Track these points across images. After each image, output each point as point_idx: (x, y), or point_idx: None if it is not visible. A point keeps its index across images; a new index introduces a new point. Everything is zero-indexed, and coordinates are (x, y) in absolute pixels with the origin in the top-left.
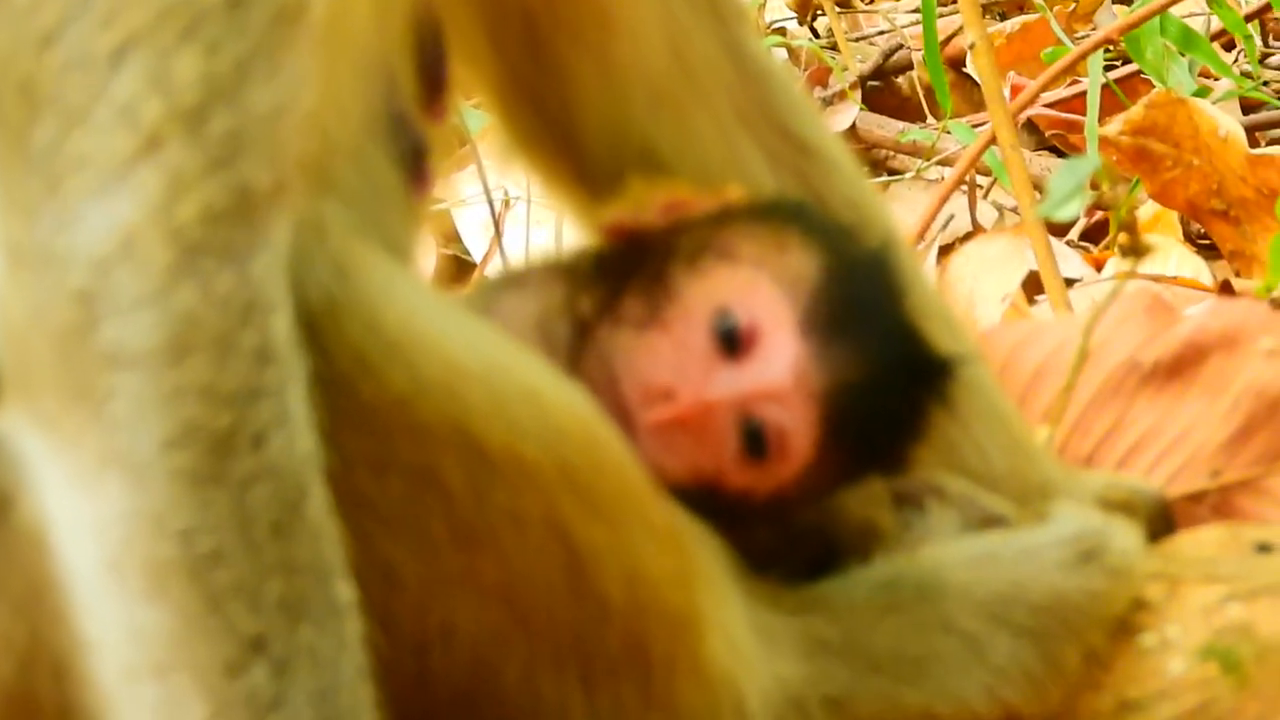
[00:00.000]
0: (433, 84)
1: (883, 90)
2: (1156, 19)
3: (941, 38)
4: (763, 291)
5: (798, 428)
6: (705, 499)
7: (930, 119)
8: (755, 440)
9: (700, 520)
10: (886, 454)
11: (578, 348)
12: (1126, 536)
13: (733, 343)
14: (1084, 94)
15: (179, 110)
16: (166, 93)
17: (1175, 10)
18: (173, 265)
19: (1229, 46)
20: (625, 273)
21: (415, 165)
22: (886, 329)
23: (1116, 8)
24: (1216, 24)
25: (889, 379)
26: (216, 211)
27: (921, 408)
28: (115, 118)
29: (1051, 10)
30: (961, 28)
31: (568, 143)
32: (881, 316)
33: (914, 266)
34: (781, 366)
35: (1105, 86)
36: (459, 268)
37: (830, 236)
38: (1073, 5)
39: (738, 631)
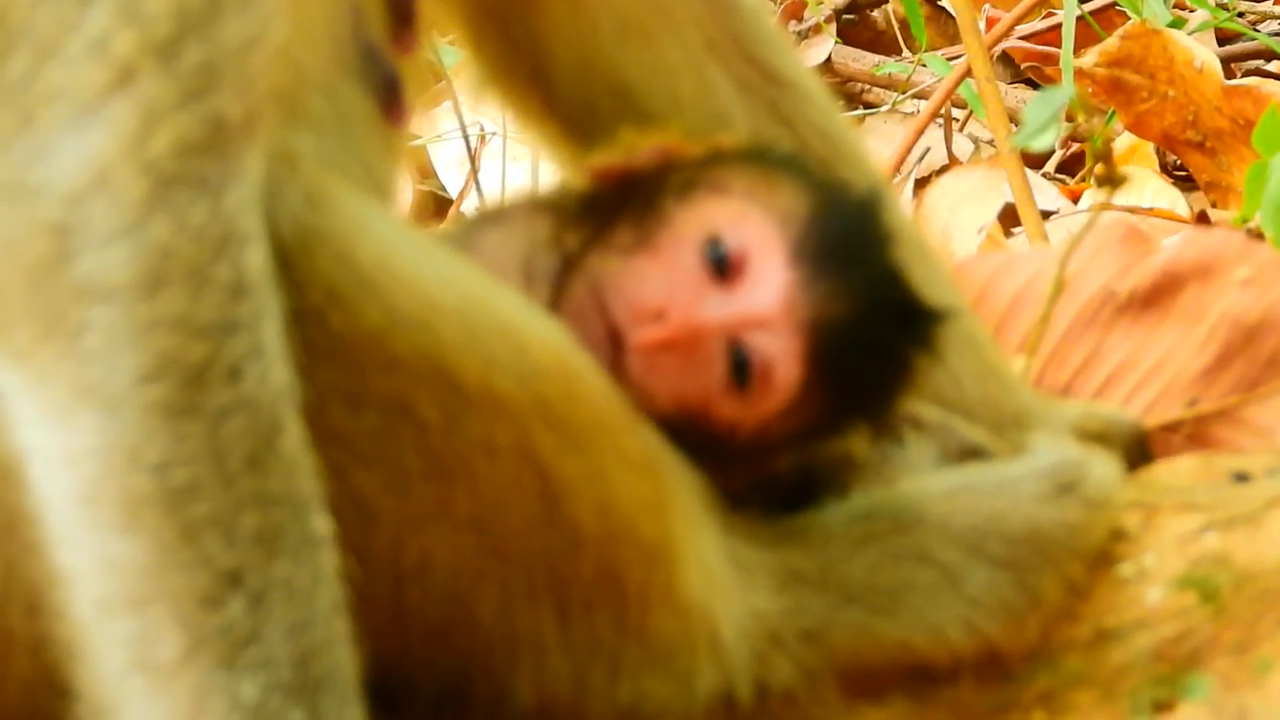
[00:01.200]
0: (401, 16)
1: (858, 24)
2: None
3: None
4: (754, 221)
5: (784, 358)
6: (691, 435)
7: (905, 52)
8: (742, 368)
9: (683, 455)
10: (871, 399)
11: (562, 281)
12: (1104, 468)
13: (723, 268)
14: (1059, 26)
15: (151, 42)
16: (139, 25)
17: None
18: (146, 198)
19: None
20: (614, 208)
21: (387, 97)
22: (874, 270)
23: None
24: None
25: (875, 320)
26: (190, 143)
27: (907, 354)
28: (88, 50)
29: None
30: None
31: (538, 75)
32: (870, 257)
33: (900, 213)
34: (770, 294)
35: (1080, 18)
36: (435, 203)
37: (821, 181)
38: None
39: (713, 563)
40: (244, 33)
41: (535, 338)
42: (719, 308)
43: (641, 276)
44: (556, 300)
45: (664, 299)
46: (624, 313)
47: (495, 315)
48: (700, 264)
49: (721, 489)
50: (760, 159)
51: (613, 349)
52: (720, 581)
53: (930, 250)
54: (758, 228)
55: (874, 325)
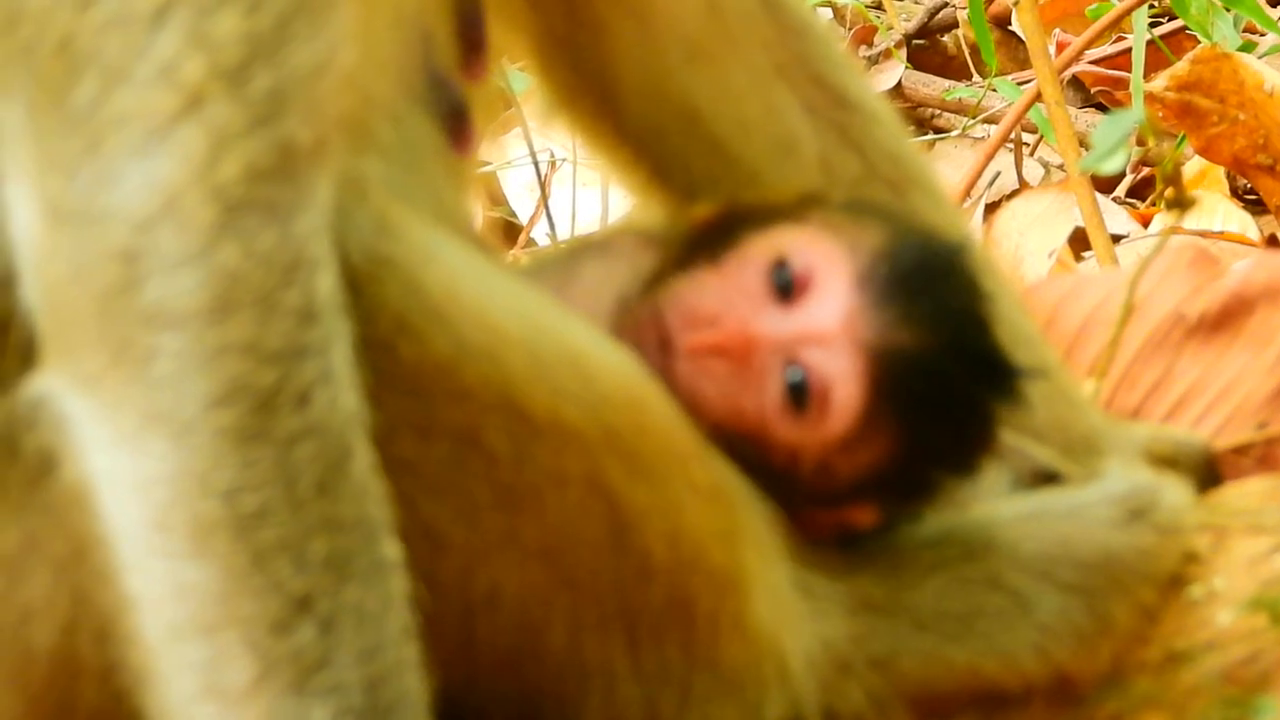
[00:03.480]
0: (471, 44)
1: (928, 49)
2: None
3: None
4: (824, 246)
5: (844, 380)
6: (755, 465)
7: (976, 77)
8: (799, 388)
9: (751, 485)
10: (947, 447)
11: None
12: (1176, 494)
13: (787, 290)
14: (1129, 50)
15: (221, 68)
16: (208, 50)
17: None
18: (215, 223)
19: (1275, 1)
20: (706, 246)
21: (455, 124)
22: (951, 307)
23: None
24: None
25: (948, 358)
26: (259, 169)
27: (985, 402)
28: (157, 76)
29: None
30: None
31: (607, 100)
32: (948, 295)
33: (986, 264)
34: (832, 312)
35: (1150, 42)
36: (506, 229)
37: (909, 226)
38: None
39: (782, 592)
40: (313, 58)
41: (604, 368)
42: (777, 323)
43: (702, 289)
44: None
45: (719, 308)
46: (677, 320)
47: (564, 345)
48: (764, 284)
49: (804, 539)
50: (853, 206)
51: (664, 359)
52: (789, 610)
53: (1015, 303)
54: (827, 252)
55: (946, 362)
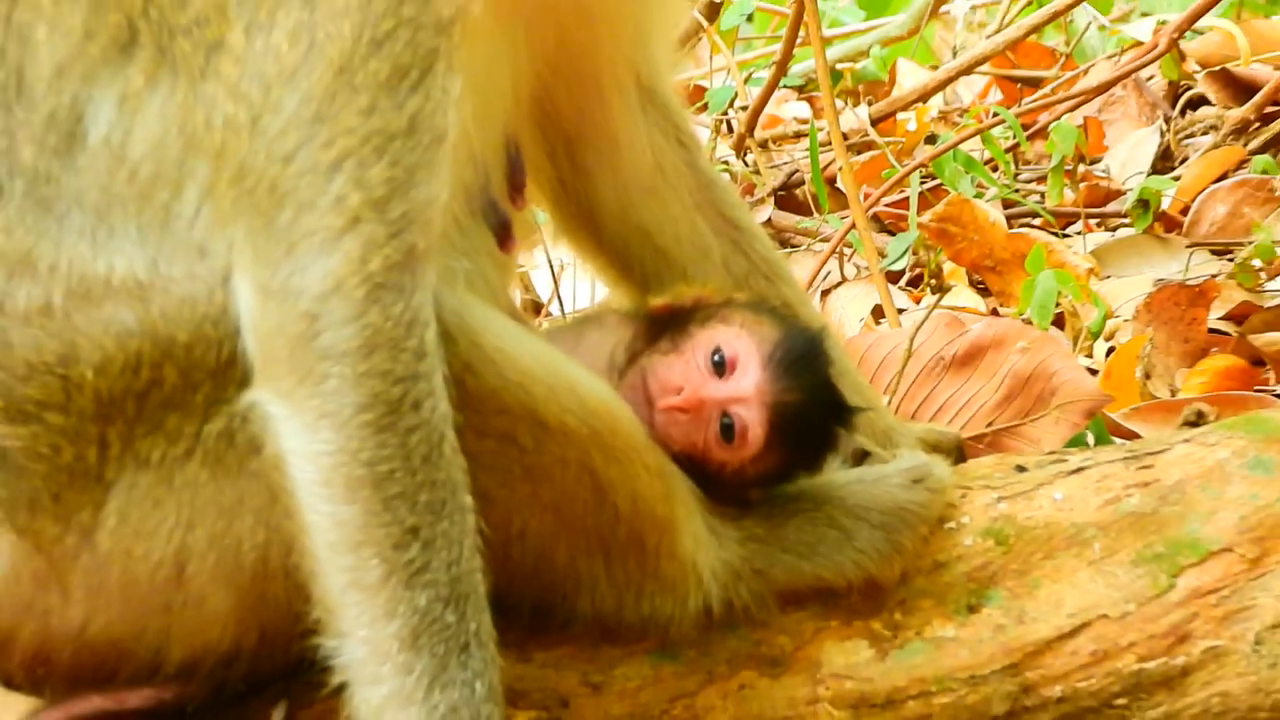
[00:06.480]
0: (515, 183)
1: (787, 197)
2: (951, 152)
3: (822, 165)
4: (744, 340)
5: (755, 424)
6: (696, 470)
7: (816, 214)
8: (728, 429)
9: (689, 478)
10: (810, 457)
11: (627, 368)
12: (942, 468)
13: (721, 368)
14: (909, 197)
15: (372, 200)
16: (365, 189)
17: (963, 146)
18: (366, 298)
19: (995, 168)
20: (663, 328)
21: (503, 233)
22: (817, 377)
23: (926, 146)
24: (988, 154)
25: (815, 407)
26: (393, 264)
27: (834, 431)
28: (331, 206)
29: (888, 149)
30: (834, 160)
31: (591, 225)
32: (815, 369)
33: (838, 345)
34: (749, 383)
35: (921, 193)
36: (533, 306)
37: (790, 320)
38: (900, 146)
39: (699, 531)
40: (429, 194)
41: (592, 394)
42: (716, 390)
43: (670, 368)
44: (622, 379)
45: (681, 382)
46: (656, 389)
47: (567, 380)
48: (707, 364)
49: (714, 500)
50: (755, 305)
51: (649, 410)
52: (703, 542)
53: (857, 376)
54: (746, 344)
55: (814, 410)
